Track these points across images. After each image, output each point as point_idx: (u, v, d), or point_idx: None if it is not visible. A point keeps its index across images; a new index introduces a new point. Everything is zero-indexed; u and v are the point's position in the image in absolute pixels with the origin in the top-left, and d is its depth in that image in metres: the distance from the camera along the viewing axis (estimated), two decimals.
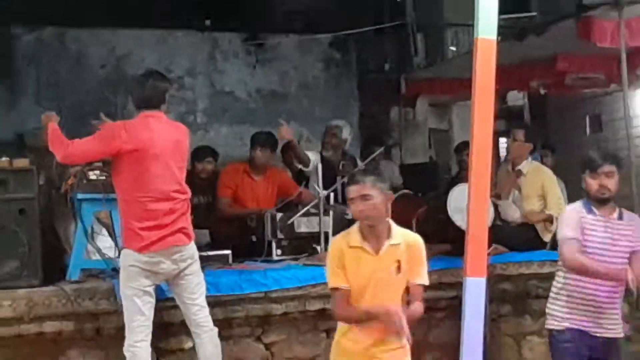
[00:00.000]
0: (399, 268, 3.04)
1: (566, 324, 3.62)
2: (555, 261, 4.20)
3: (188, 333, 4.23)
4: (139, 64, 7.93)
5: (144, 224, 3.88)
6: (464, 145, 6.02)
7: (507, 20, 5.86)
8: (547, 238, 5.19)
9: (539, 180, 5.60)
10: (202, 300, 4.15)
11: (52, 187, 4.69)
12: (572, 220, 3.67)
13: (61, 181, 4.50)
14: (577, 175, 4.44)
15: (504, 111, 8.07)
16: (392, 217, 3.58)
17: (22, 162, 4.27)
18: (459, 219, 4.63)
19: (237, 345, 4.82)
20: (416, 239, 3.17)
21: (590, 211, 3.58)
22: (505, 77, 5.38)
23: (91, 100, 7.31)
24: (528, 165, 5.70)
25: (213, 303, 4.33)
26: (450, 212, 4.98)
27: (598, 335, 3.59)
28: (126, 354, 3.88)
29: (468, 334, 3.65)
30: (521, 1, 8.96)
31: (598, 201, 3.56)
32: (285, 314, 4.71)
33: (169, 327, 4.38)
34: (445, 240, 4.55)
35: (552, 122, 10.10)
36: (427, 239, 4.77)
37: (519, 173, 5.67)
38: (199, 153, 5.88)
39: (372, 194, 2.98)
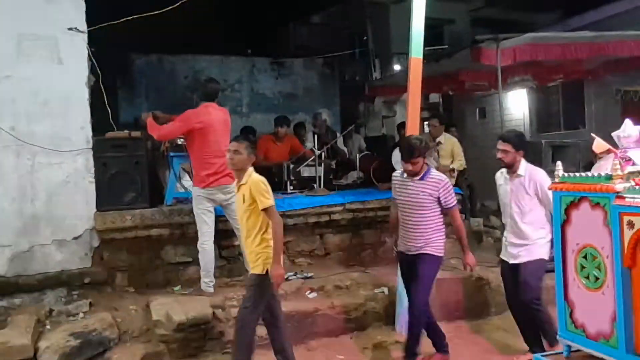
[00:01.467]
0: (243, 199, 3.81)
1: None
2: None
3: (234, 235, 5.32)
4: (208, 76, 10.15)
5: (206, 172, 5.01)
6: (402, 125, 6.89)
7: (429, 50, 6.66)
8: (452, 181, 5.51)
9: (450, 147, 7.07)
10: None
11: (155, 149, 5.76)
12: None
13: (161, 145, 5.63)
14: (471, 142, 5.63)
15: (426, 105, 9.71)
16: (360, 168, 5.19)
17: (135, 134, 5.42)
18: (398, 167, 4.98)
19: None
20: (253, 179, 3.81)
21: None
22: (428, 84, 5.88)
23: (177, 98, 9.05)
24: (443, 137, 7.11)
25: None
26: (393, 163, 5.94)
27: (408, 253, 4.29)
28: (199, 248, 5.03)
29: None
30: (438, 38, 10.83)
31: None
32: (295, 224, 5.91)
33: (224, 232, 5.39)
34: (389, 180, 4.69)
35: (456, 111, 11.80)
36: (379, 180, 6.20)
37: (438, 143, 7.03)
38: (244, 131, 7.26)
39: (241, 151, 3.82)
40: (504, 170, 4.34)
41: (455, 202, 4.34)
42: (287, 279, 5.39)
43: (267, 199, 3.74)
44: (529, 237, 4.24)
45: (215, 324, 4.64)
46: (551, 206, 4.00)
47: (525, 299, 4.19)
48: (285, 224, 5.51)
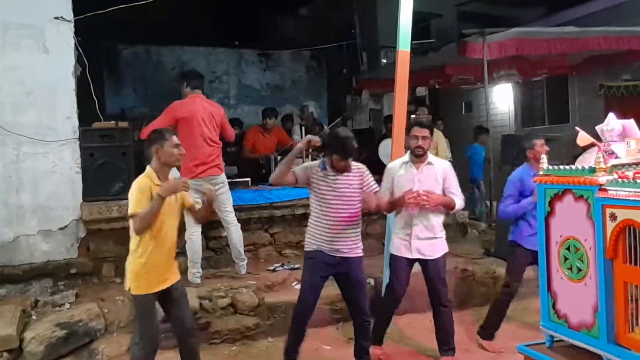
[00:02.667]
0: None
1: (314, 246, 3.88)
2: None
3: (222, 226, 5.35)
4: (195, 67, 9.65)
5: (193, 162, 5.00)
6: (389, 118, 6.84)
7: (416, 44, 6.68)
8: None
9: (434, 138, 6.46)
10: (230, 208, 5.29)
11: (142, 139, 5.09)
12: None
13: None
14: (456, 135, 5.70)
15: (413, 98, 9.54)
16: None
17: (123, 124, 5.42)
18: (385, 160, 5.55)
19: (253, 234, 5.95)
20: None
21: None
22: (414, 78, 5.71)
23: (165, 90, 8.79)
24: None
25: (238, 209, 5.47)
26: (380, 156, 6.17)
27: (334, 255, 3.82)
28: (186, 239, 4.97)
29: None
30: (425, 32, 10.77)
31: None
32: (282, 216, 5.99)
33: (212, 223, 5.44)
34: (377, 172, 4.48)
35: (442, 105, 11.86)
36: None
37: None
38: (231, 123, 6.99)
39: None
40: (404, 158, 4.17)
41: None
42: (274, 270, 5.45)
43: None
44: (437, 231, 4.12)
45: (201, 314, 4.65)
46: (461, 196, 4.16)
47: (441, 295, 4.12)
48: (273, 215, 5.90)
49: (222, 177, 5.23)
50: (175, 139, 3.49)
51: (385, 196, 4.12)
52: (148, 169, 3.45)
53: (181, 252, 5.13)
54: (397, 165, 4.20)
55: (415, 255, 4.13)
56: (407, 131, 4.42)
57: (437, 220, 4.14)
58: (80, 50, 5.28)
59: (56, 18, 5.09)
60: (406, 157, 4.21)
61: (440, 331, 4.21)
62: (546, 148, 4.23)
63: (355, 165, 3.84)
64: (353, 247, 3.84)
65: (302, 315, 3.88)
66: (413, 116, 7.09)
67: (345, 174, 3.78)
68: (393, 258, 4.28)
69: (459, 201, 4.11)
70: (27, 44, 5.02)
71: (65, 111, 5.15)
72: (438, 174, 4.08)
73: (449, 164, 4.25)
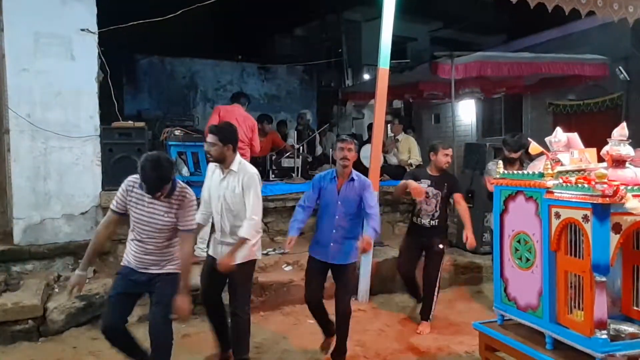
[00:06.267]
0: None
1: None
2: None
3: None
4: (203, 77, 10.07)
5: None
6: (370, 126, 7.07)
7: (394, 63, 6.61)
8: None
9: (408, 144, 7.16)
10: None
11: (155, 138, 5.86)
12: None
13: (160, 135, 5.69)
14: (427, 143, 5.70)
15: (390, 110, 9.37)
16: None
17: (139, 124, 5.40)
18: (366, 162, 5.55)
19: None
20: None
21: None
22: (392, 92, 5.77)
23: (176, 95, 9.06)
24: (402, 137, 7.22)
25: None
26: (361, 159, 5.66)
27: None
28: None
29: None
30: (402, 53, 10.84)
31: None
32: (275, 207, 5.97)
33: None
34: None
35: (415, 116, 11.96)
36: None
37: (397, 140, 7.17)
38: (262, 118, 7.22)
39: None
40: (217, 164, 3.39)
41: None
42: (266, 254, 5.44)
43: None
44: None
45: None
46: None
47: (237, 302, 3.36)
48: (267, 207, 5.74)
49: None
50: None
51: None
52: None
53: None
54: (214, 168, 3.50)
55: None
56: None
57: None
58: (103, 59, 5.22)
59: (82, 30, 5.04)
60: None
61: None
62: (448, 158, 4.35)
63: (179, 192, 2.98)
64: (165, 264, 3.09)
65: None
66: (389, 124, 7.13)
67: (163, 200, 2.95)
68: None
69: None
70: (56, 51, 4.96)
71: (88, 111, 5.10)
72: (238, 181, 3.33)
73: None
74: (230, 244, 3.32)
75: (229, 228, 3.35)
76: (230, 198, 3.31)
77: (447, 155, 4.38)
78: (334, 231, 3.55)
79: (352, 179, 3.61)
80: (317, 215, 3.70)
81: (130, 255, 3.11)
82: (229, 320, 3.43)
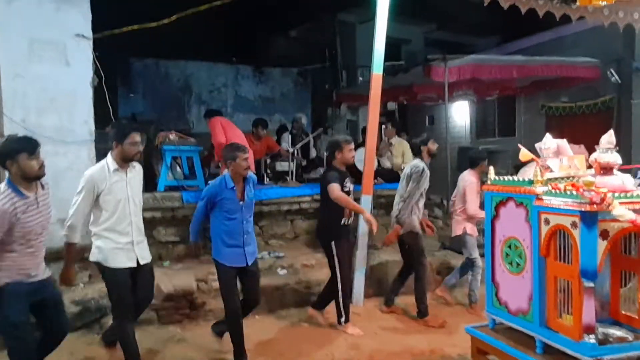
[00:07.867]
0: None
1: None
2: None
3: None
4: (198, 79, 10.02)
5: None
6: (364, 129, 6.27)
7: (388, 64, 6.71)
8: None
9: (401, 148, 7.05)
10: None
11: (150, 142, 5.70)
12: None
13: (155, 139, 5.66)
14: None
15: (384, 112, 9.74)
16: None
17: None
18: (360, 165, 5.52)
19: None
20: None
21: None
22: (386, 94, 5.98)
23: (171, 98, 8.99)
24: (396, 140, 7.15)
25: None
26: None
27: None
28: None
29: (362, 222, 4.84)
30: (396, 54, 10.87)
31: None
32: (269, 211, 5.96)
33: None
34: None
35: (410, 118, 11.96)
36: None
37: (391, 144, 7.12)
38: (257, 123, 7.22)
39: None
40: (110, 166, 3.42)
41: None
42: (261, 258, 5.43)
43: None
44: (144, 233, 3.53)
45: (198, 294, 4.66)
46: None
47: (151, 297, 3.56)
48: (261, 210, 5.80)
49: None
50: None
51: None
52: None
53: None
54: (106, 171, 3.50)
55: None
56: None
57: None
58: (97, 64, 5.20)
59: (77, 35, 5.01)
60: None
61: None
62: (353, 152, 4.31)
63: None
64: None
65: None
66: (384, 127, 7.14)
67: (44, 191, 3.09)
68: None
69: None
70: (51, 57, 4.93)
71: (82, 116, 5.08)
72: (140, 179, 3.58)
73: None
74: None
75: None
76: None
77: (351, 150, 4.33)
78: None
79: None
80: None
81: (24, 269, 3.01)
82: None
